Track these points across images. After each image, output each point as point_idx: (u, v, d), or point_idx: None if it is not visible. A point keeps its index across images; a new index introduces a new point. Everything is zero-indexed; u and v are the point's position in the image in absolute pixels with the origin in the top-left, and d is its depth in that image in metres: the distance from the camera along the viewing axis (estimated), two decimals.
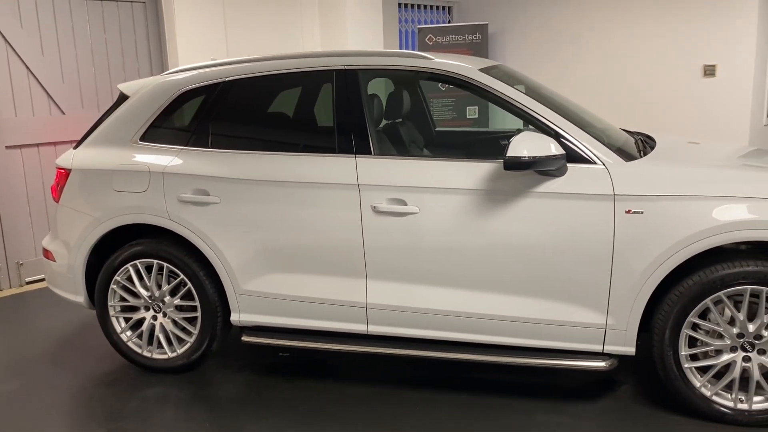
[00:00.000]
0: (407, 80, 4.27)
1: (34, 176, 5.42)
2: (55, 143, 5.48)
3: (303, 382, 3.53)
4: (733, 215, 2.72)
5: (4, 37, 5.09)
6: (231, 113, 3.48)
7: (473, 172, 3.04)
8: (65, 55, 5.45)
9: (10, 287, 5.35)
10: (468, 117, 8.12)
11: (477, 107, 8.07)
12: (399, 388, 3.41)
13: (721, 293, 2.79)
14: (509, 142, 2.85)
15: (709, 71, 6.94)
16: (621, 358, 3.05)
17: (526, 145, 2.83)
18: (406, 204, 3.10)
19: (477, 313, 3.08)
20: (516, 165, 2.83)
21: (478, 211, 3.02)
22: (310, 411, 3.22)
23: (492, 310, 3.06)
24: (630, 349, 2.96)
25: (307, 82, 3.52)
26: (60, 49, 5.41)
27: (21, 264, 5.38)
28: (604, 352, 2.99)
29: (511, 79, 3.36)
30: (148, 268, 3.57)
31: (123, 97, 3.71)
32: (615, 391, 3.29)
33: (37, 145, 5.41)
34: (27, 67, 5.25)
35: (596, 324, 2.95)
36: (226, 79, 3.49)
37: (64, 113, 5.50)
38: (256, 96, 3.49)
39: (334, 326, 3.32)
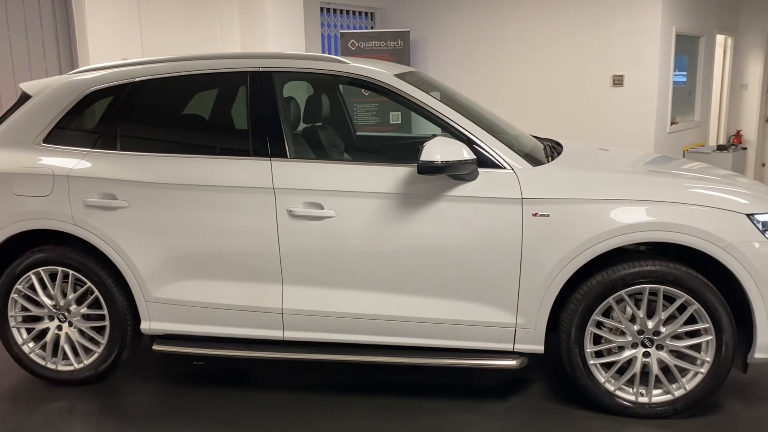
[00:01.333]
0: (326, 84, 4.26)
1: None
2: None
3: (218, 390, 3.45)
4: (633, 217, 2.86)
5: None
6: (141, 115, 3.38)
7: (389, 176, 3.07)
8: None
9: None
10: (391, 122, 8.20)
11: (400, 113, 8.16)
12: (315, 393, 3.39)
13: (622, 292, 2.93)
14: (422, 147, 2.90)
15: (618, 81, 7.29)
16: (531, 357, 3.14)
17: (439, 149, 2.88)
18: (322, 208, 3.09)
19: (392, 316, 3.11)
20: (429, 169, 2.88)
21: (393, 214, 3.05)
22: (224, 420, 3.16)
23: (407, 312, 3.09)
24: (539, 348, 3.06)
25: (222, 84, 3.46)
26: None
27: None
28: (515, 350, 3.08)
29: (426, 86, 3.41)
30: (53, 276, 3.41)
31: (25, 97, 3.53)
32: (526, 388, 3.40)
33: None
34: None
35: (507, 323, 3.03)
36: (136, 80, 3.39)
37: None
38: (167, 97, 3.40)
39: (249, 333, 3.26)
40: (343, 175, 3.11)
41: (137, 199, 3.23)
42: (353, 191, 3.07)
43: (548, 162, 3.17)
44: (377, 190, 3.05)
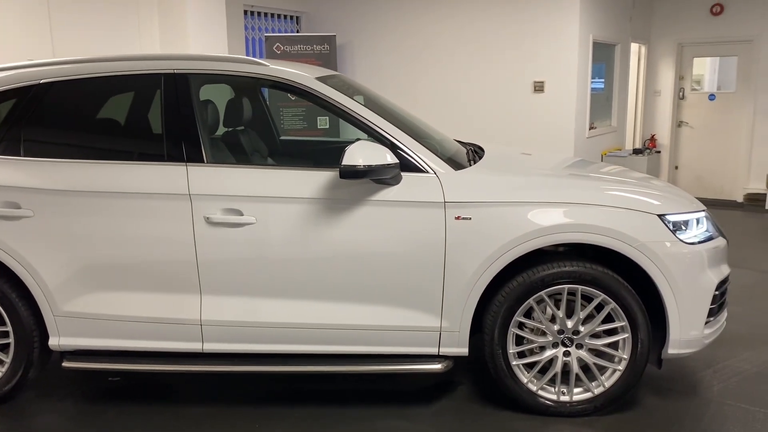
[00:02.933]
0: (247, 87, 4.16)
1: None
2: None
3: (135, 406, 3.29)
4: (551, 219, 2.92)
5: None
6: (48, 118, 3.19)
7: (311, 181, 3.01)
8: None
9: None
10: (319, 127, 8.12)
11: (328, 117, 8.09)
12: (237, 406, 3.29)
13: (542, 293, 2.98)
14: (345, 151, 2.86)
15: (539, 87, 7.48)
16: (456, 360, 3.15)
17: (361, 154, 2.85)
18: (242, 214, 3.00)
19: (316, 324, 3.05)
20: (351, 173, 2.84)
21: (316, 220, 2.99)
22: None
23: (331, 320, 3.04)
24: (463, 350, 3.07)
25: (136, 87, 3.31)
26: None
27: None
28: (440, 354, 3.08)
29: (349, 89, 3.37)
30: None
31: None
32: (451, 391, 3.40)
33: None
34: None
35: (431, 327, 3.03)
36: (41, 82, 3.20)
37: None
38: (77, 100, 3.22)
39: (167, 346, 3.13)
40: (263, 180, 3.03)
41: (43, 207, 3.05)
42: (274, 197, 3.00)
43: (470, 166, 3.20)
44: (299, 195, 2.99)
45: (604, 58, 8.45)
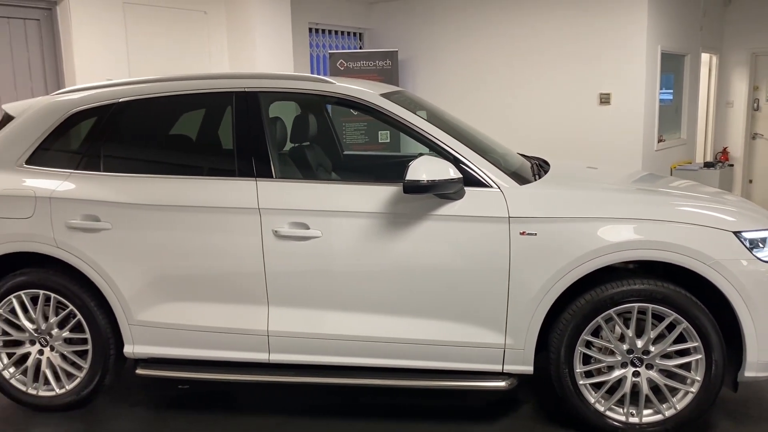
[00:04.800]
0: (313, 104, 4.26)
1: None
2: None
3: (203, 414, 3.39)
4: (621, 236, 2.85)
5: None
6: (125, 135, 3.35)
7: (375, 196, 3.04)
8: None
9: None
10: (380, 141, 8.20)
11: (389, 132, 8.16)
12: (302, 417, 3.33)
13: (611, 311, 2.91)
14: (408, 166, 2.88)
15: (605, 99, 7.33)
16: (520, 377, 3.10)
17: (425, 168, 2.87)
18: (308, 228, 3.06)
19: (379, 337, 3.06)
20: (415, 188, 2.85)
21: (379, 234, 3.02)
22: None
23: (394, 334, 3.05)
24: (528, 368, 3.02)
25: (208, 105, 3.44)
26: None
27: None
28: (504, 371, 3.04)
29: (412, 105, 3.40)
30: (34, 299, 3.34)
31: (8, 118, 3.49)
32: (515, 410, 3.35)
33: None
34: None
35: (495, 344, 3.00)
36: (120, 100, 3.36)
37: None
38: (152, 118, 3.37)
39: (235, 356, 3.21)
40: (328, 195, 3.08)
41: (121, 220, 3.19)
42: (339, 211, 3.05)
43: (535, 180, 3.16)
44: (363, 209, 3.03)
45: (673, 69, 8.21)
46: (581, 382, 3.01)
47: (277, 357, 3.17)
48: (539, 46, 7.69)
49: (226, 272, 3.14)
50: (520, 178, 3.09)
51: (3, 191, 3.31)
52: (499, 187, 2.98)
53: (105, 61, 5.85)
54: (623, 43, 7.14)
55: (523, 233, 2.90)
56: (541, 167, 3.57)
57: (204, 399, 3.56)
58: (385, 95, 3.26)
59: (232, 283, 3.15)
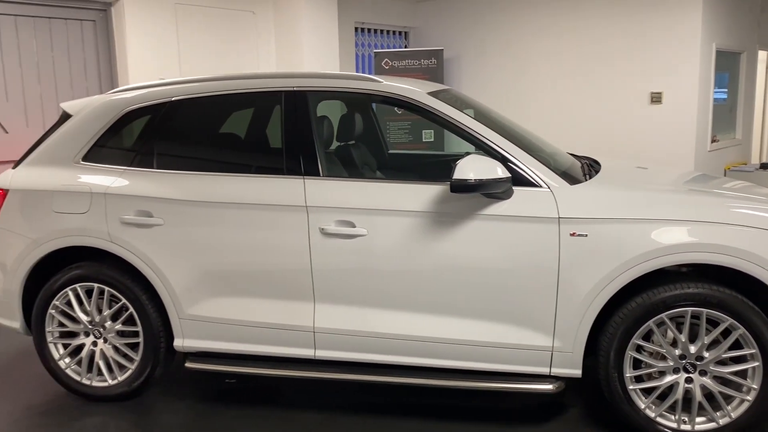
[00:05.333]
0: (359, 103, 4.27)
1: None
2: None
3: (249, 409, 3.44)
4: (675, 238, 2.77)
5: None
6: (177, 133, 3.42)
7: (421, 195, 3.04)
8: (10, 73, 5.29)
9: None
10: (424, 140, 8.18)
11: (433, 131, 8.14)
12: (347, 414, 3.35)
13: (663, 315, 2.83)
14: (456, 165, 2.87)
15: (656, 98, 7.16)
16: (568, 381, 3.05)
17: (472, 167, 2.84)
18: (354, 226, 3.07)
19: (425, 337, 3.06)
20: (462, 187, 2.84)
21: (426, 233, 3.01)
22: None
23: (440, 333, 3.04)
24: (576, 372, 2.97)
25: (257, 104, 3.49)
26: (4, 66, 5.26)
27: None
28: (551, 374, 3.00)
29: (460, 103, 3.38)
30: (89, 292, 3.45)
31: (66, 116, 3.61)
32: (563, 413, 3.30)
33: None
34: None
35: (543, 346, 2.96)
36: (173, 99, 3.43)
37: (7, 132, 5.33)
38: (203, 116, 3.43)
39: (281, 351, 3.25)
40: (374, 194, 3.09)
41: (172, 216, 3.26)
42: (385, 209, 3.05)
43: (586, 180, 3.11)
44: (409, 208, 3.03)
45: (728, 67, 7.97)
46: (631, 387, 2.94)
47: (323, 353, 3.20)
48: (589, 43, 7.56)
49: (274, 268, 3.18)
50: (571, 178, 3.04)
51: (61, 187, 3.42)
52: (548, 187, 2.94)
53: (157, 61, 5.99)
54: (676, 40, 6.96)
55: (573, 234, 2.85)
56: (591, 167, 3.50)
57: (250, 393, 3.61)
58: (433, 93, 3.25)
59: (280, 280, 3.19)
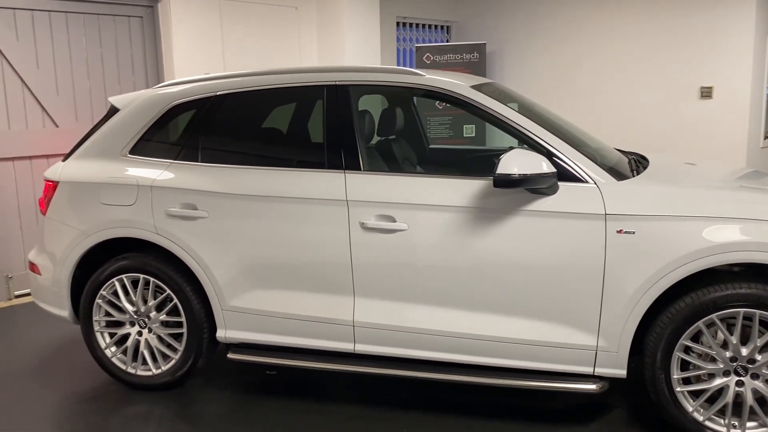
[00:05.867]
0: (400, 97, 4.25)
1: (25, 189, 5.38)
2: (47, 156, 5.45)
3: (289, 400, 3.46)
4: (726, 236, 2.68)
5: None
6: (221, 127, 3.46)
7: (463, 190, 3.00)
8: (60, 68, 5.44)
9: None
10: (465, 135, 8.11)
11: (474, 126, 8.06)
12: (386, 409, 3.34)
13: (713, 316, 2.74)
14: (499, 160, 2.82)
15: (706, 93, 6.94)
16: (612, 381, 2.98)
17: (516, 162, 2.80)
18: (395, 221, 3.06)
19: (466, 333, 3.03)
20: (506, 182, 2.79)
21: (468, 228, 2.98)
22: (295, 430, 3.15)
23: (480, 330, 3.01)
24: (621, 372, 2.90)
25: (300, 98, 3.50)
26: (55, 62, 5.40)
27: (10, 277, 5.33)
28: (595, 374, 2.94)
29: (503, 97, 3.33)
30: (135, 283, 3.52)
31: (114, 110, 3.68)
32: (606, 414, 3.23)
33: (30, 157, 5.38)
34: (21, 80, 5.23)
35: (587, 345, 2.89)
36: (218, 93, 3.47)
37: (57, 126, 5.48)
38: (246, 110, 3.46)
39: (321, 344, 3.26)
40: (415, 188, 3.07)
41: (216, 209, 3.30)
42: (426, 204, 3.03)
43: (633, 176, 3.03)
44: (451, 203, 2.99)
45: None
46: (678, 389, 2.86)
47: (362, 348, 3.20)
48: (636, 36, 7.37)
49: (314, 262, 3.19)
50: (618, 174, 2.97)
51: (108, 179, 3.49)
52: (595, 183, 2.87)
53: (202, 56, 6.08)
54: (728, 34, 6.73)
55: (620, 231, 2.78)
56: (639, 163, 3.41)
57: (291, 386, 3.64)
58: (476, 87, 3.21)
59: (320, 273, 3.19)
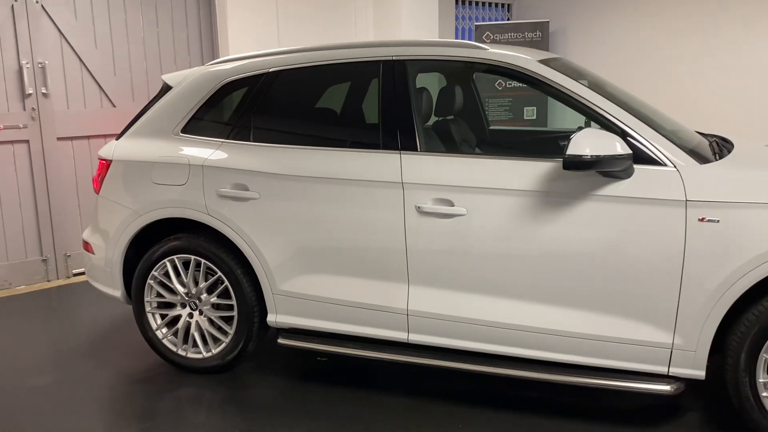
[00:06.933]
0: (460, 74, 4.05)
1: (84, 168, 5.43)
2: (105, 135, 5.48)
3: (339, 388, 3.35)
4: None
5: (58, 29, 5.12)
6: (274, 106, 3.34)
7: (528, 172, 2.80)
8: (118, 49, 5.44)
9: (58, 278, 5.37)
10: (525, 117, 7.81)
11: (535, 108, 7.75)
12: (439, 402, 3.19)
13: None
14: (570, 139, 2.60)
15: None
16: (688, 382, 2.74)
17: (589, 142, 2.57)
18: (453, 205, 2.88)
19: (527, 326, 2.83)
20: (577, 164, 2.57)
21: (532, 214, 2.77)
22: (344, 418, 3.04)
23: (544, 324, 2.81)
24: (699, 373, 2.66)
25: (354, 74, 3.34)
26: (113, 42, 5.41)
27: (68, 255, 5.40)
28: (669, 374, 2.70)
29: (573, 73, 3.09)
30: (186, 264, 3.46)
31: (166, 88, 3.61)
32: (680, 417, 2.98)
33: (88, 137, 5.42)
34: (80, 60, 5.26)
35: (661, 343, 2.66)
36: (270, 70, 3.35)
37: (115, 106, 5.50)
38: (299, 87, 3.33)
39: (373, 332, 3.12)
40: (476, 171, 2.87)
41: (268, 190, 3.19)
42: (487, 188, 2.83)
43: (717, 160, 2.75)
44: (514, 187, 2.79)
45: None
46: (764, 395, 2.60)
47: (416, 338, 3.05)
48: (713, 13, 6.89)
49: (367, 246, 3.04)
50: (700, 157, 2.70)
51: (161, 158, 3.43)
52: (675, 166, 2.61)
53: (257, 34, 5.99)
54: None
55: (702, 219, 2.52)
56: (722, 146, 3.12)
57: (340, 373, 3.53)
58: (544, 62, 2.98)
59: (373, 258, 3.05)
